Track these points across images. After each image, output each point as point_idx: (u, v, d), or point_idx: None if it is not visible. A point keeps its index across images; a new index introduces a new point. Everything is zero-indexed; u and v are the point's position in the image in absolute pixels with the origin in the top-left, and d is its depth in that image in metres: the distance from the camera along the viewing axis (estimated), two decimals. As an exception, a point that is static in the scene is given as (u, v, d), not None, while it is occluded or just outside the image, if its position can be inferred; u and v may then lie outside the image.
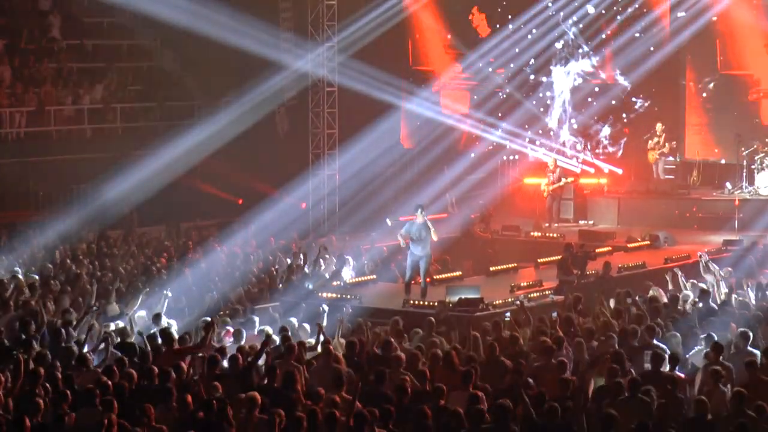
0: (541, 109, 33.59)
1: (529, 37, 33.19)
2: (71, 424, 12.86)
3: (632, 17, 32.69)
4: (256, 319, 18.93)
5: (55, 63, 32.48)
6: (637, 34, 32.64)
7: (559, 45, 33.22)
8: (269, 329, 17.68)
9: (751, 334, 15.96)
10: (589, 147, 33.07)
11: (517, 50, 33.25)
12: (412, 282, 22.60)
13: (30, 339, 16.32)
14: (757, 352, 15.58)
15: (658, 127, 32.15)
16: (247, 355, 15.40)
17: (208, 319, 17.62)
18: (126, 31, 35.15)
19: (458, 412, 12.84)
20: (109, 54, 34.28)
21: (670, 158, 32.49)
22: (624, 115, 33.21)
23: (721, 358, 15.00)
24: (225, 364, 15.09)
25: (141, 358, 15.36)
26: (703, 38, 32.55)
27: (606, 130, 33.17)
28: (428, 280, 23.08)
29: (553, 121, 33.38)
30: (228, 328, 18.10)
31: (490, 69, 33.95)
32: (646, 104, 33.05)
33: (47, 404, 13.03)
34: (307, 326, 18.25)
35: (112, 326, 17.59)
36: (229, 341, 17.33)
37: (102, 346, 16.36)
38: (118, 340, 16.74)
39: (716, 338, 15.98)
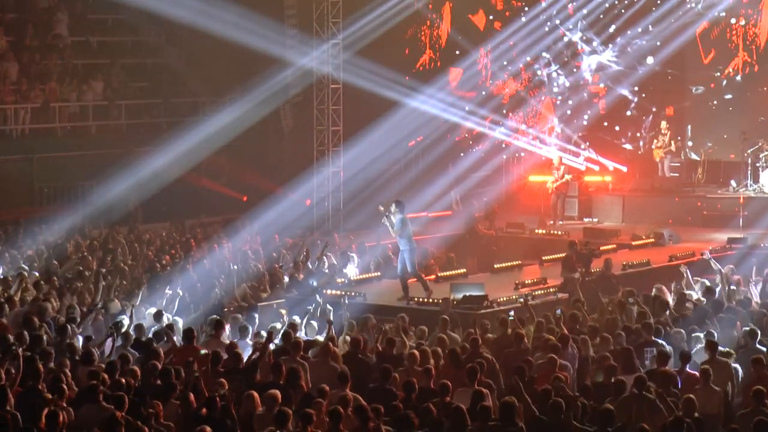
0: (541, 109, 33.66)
1: (533, 36, 33.22)
2: (74, 420, 12.86)
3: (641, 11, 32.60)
4: (256, 315, 18.97)
5: (60, 60, 32.48)
6: (650, 27, 32.57)
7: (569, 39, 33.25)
8: (277, 326, 17.72)
9: (758, 332, 15.94)
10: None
11: (524, 45, 33.30)
12: (410, 280, 22.44)
13: (34, 335, 16.33)
14: (765, 349, 15.57)
15: (663, 125, 32.11)
16: (253, 351, 15.41)
17: (215, 317, 17.69)
18: (131, 28, 35.14)
19: (463, 409, 12.84)
20: (114, 51, 34.28)
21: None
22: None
23: (717, 355, 14.96)
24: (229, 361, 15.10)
25: (152, 356, 15.31)
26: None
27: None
28: (433, 277, 23.05)
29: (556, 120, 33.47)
30: (228, 325, 18.13)
31: (493, 67, 33.94)
32: (701, 90, 32.88)
33: (51, 400, 13.02)
34: (314, 323, 18.26)
35: (126, 322, 17.57)
36: (233, 338, 17.36)
37: (108, 342, 16.39)
38: (134, 336, 16.76)
39: (716, 335, 16.00)
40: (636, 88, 33.18)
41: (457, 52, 34.12)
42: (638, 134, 33.19)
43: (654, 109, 33.08)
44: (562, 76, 33.58)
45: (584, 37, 33.14)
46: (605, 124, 33.66)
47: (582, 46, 33.28)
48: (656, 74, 33.07)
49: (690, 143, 32.65)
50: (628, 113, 33.45)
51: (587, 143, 33.29)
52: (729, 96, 32.62)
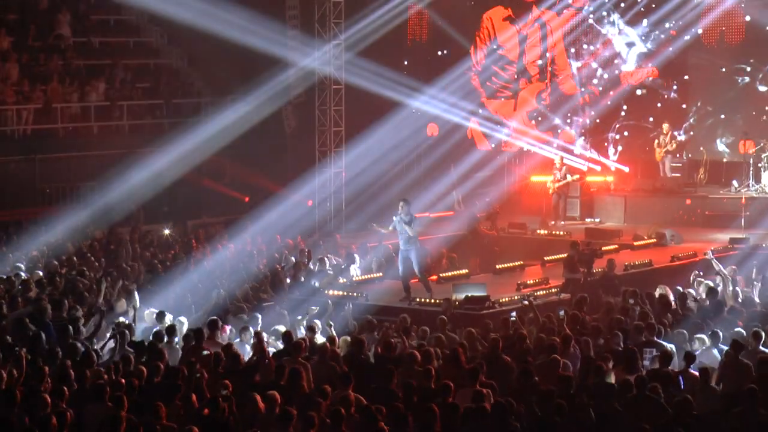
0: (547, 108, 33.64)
1: (540, 32, 33.26)
2: (79, 420, 12.87)
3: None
4: (259, 316, 18.98)
5: (62, 60, 32.50)
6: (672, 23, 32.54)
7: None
8: (280, 327, 17.72)
9: (763, 334, 15.91)
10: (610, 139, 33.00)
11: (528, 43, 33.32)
12: (411, 280, 22.41)
13: (37, 335, 16.34)
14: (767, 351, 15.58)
15: (665, 126, 32.07)
16: (256, 352, 15.43)
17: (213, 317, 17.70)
18: (133, 29, 35.19)
19: (463, 409, 12.85)
20: (115, 51, 34.30)
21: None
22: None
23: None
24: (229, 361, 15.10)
25: (154, 355, 15.31)
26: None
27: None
28: (435, 277, 23.02)
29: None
30: (230, 325, 18.13)
31: (496, 66, 33.96)
32: (747, 80, 32.75)
33: (53, 400, 13.03)
34: (318, 323, 18.28)
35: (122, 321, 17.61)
36: (234, 338, 17.36)
37: (111, 343, 16.40)
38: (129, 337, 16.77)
39: (721, 335, 15.98)
40: (686, 77, 33.04)
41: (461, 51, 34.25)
42: (685, 125, 32.91)
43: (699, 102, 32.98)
44: (600, 69, 33.46)
45: (619, 28, 33.06)
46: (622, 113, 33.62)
47: (614, 36, 33.17)
48: (693, 65, 33.00)
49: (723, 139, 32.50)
50: (659, 105, 33.32)
51: (626, 133, 33.19)
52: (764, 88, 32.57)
